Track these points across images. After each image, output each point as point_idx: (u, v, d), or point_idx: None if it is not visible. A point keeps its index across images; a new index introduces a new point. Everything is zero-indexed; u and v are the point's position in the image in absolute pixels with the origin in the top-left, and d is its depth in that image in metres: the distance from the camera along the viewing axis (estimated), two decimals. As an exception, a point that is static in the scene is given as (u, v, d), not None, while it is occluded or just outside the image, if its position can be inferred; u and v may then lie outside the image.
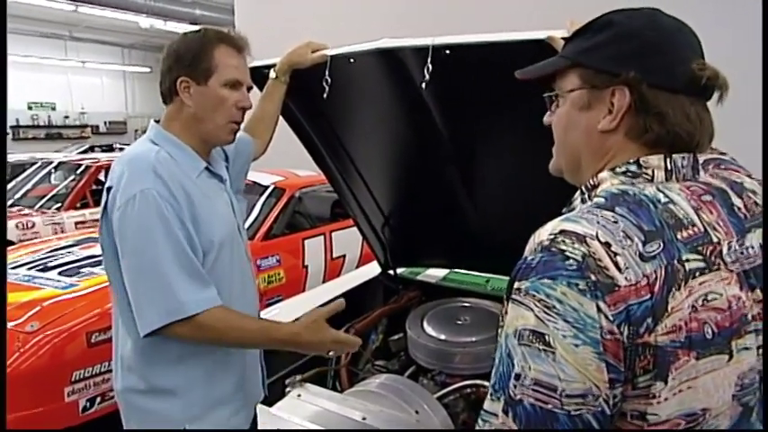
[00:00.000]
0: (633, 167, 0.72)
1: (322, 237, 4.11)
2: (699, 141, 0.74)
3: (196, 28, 1.37)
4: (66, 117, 16.54)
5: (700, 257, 0.66)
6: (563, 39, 1.14)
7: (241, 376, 1.38)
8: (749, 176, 0.80)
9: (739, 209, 0.73)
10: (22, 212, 5.25)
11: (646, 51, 0.72)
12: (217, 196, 1.37)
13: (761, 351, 0.68)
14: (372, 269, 2.61)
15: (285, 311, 2.33)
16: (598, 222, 0.65)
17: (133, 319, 1.24)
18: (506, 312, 0.67)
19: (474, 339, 1.96)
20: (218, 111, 1.31)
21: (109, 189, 1.24)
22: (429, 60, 1.45)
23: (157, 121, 1.37)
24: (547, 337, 0.61)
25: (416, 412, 1.66)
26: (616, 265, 0.62)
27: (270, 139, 1.74)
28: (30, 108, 15.65)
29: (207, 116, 1.31)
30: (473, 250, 2.23)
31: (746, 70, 3.13)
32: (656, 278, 0.63)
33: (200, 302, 1.21)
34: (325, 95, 1.63)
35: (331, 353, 1.42)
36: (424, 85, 1.48)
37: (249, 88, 1.39)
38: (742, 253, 0.70)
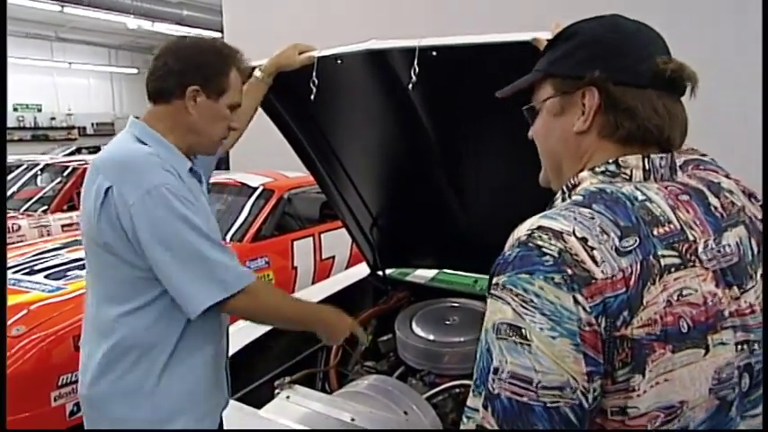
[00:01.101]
0: (612, 167, 0.74)
1: (311, 238, 4.10)
2: (669, 135, 0.75)
3: (213, 38, 1.39)
4: (53, 119, 16.36)
5: (675, 254, 0.67)
6: (547, 41, 1.15)
7: (207, 381, 1.36)
8: (727, 176, 0.82)
9: (716, 208, 0.75)
10: (8, 215, 5.20)
11: (608, 53, 0.75)
12: (201, 195, 1.36)
13: (740, 347, 0.70)
14: (361, 270, 2.62)
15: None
16: (575, 219, 0.67)
17: (108, 323, 1.25)
18: (487, 308, 0.68)
19: (462, 339, 1.97)
20: (218, 128, 1.34)
21: (108, 189, 1.20)
22: (416, 61, 1.45)
23: (137, 118, 1.34)
24: (523, 331, 0.63)
25: (405, 413, 1.66)
26: (593, 258, 0.64)
27: (239, 136, 1.70)
28: (15, 110, 15.46)
29: (205, 129, 1.33)
30: (461, 251, 2.24)
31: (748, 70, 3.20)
32: (632, 272, 0.64)
33: (248, 275, 1.28)
34: (312, 97, 1.63)
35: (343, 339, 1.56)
36: (411, 86, 1.49)
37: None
38: (719, 251, 0.71)
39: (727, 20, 3.73)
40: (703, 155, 0.91)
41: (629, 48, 0.75)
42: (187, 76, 1.28)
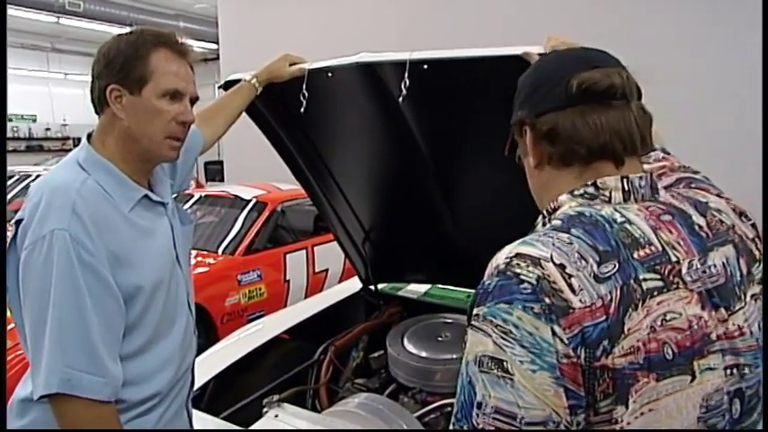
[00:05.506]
0: (591, 189, 0.73)
1: (304, 251, 4.08)
2: (607, 146, 0.72)
3: (135, 29, 1.19)
4: (48, 129, 16.33)
5: (657, 276, 0.66)
6: (539, 54, 1.14)
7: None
8: (718, 195, 0.80)
9: (701, 227, 0.73)
10: (-1, 226, 5.15)
11: (526, 93, 0.79)
12: (154, 228, 1.18)
13: (729, 372, 0.67)
14: (354, 284, 2.59)
15: (267, 327, 2.29)
16: (553, 244, 0.66)
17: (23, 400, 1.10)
18: (467, 339, 0.67)
19: (455, 357, 1.93)
20: (154, 125, 1.13)
21: (19, 222, 1.05)
22: (406, 75, 1.43)
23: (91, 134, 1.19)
24: (505, 364, 0.61)
25: (396, 433, 1.62)
26: (570, 287, 0.63)
27: (221, 135, 1.57)
28: (10, 120, 15.44)
29: (141, 131, 1.13)
30: (454, 265, 2.21)
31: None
32: (612, 299, 0.63)
33: (96, 386, 1.02)
34: (302, 109, 1.61)
35: None
36: (401, 99, 1.47)
37: (193, 101, 1.20)
38: (704, 272, 0.69)
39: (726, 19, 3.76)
40: (696, 172, 0.89)
41: (542, 80, 0.78)
42: (102, 77, 1.13)
